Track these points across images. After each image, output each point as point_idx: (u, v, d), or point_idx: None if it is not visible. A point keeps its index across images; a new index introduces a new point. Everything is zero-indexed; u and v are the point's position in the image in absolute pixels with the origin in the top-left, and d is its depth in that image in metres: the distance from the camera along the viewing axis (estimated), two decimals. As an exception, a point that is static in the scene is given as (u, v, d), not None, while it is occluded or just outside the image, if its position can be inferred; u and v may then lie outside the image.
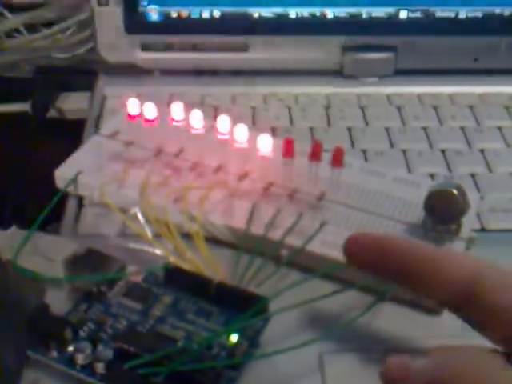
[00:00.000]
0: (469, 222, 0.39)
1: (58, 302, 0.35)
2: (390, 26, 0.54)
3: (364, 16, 0.53)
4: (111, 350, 0.32)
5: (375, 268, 0.33)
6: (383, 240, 0.33)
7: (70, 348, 0.32)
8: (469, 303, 0.30)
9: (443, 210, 0.37)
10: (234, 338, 0.33)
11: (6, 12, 0.61)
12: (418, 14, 0.54)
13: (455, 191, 0.37)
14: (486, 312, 0.29)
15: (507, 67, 0.55)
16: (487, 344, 0.29)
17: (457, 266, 0.30)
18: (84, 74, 0.56)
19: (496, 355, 0.28)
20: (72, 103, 0.55)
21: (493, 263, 0.30)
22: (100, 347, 0.32)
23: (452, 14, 0.54)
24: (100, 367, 0.32)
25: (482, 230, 0.42)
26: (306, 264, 0.38)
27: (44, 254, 0.37)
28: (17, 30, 0.61)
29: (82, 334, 0.33)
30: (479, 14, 0.54)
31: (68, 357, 0.32)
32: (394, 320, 0.36)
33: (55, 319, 0.33)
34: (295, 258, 0.38)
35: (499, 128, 0.50)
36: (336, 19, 0.53)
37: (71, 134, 0.49)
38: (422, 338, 0.35)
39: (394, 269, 0.32)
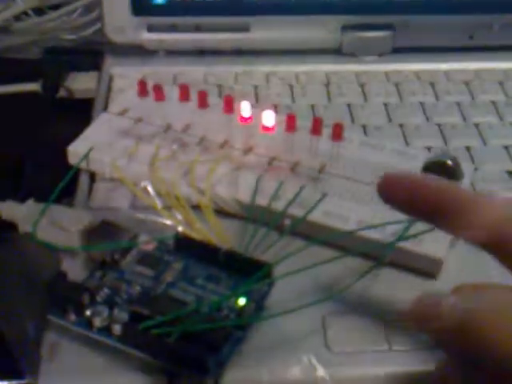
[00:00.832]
0: (463, 192, 0.41)
1: (74, 270, 0.37)
2: (388, 5, 0.56)
3: (362, -5, 0.55)
4: (126, 313, 0.34)
5: (408, 207, 0.33)
6: (416, 179, 0.33)
7: (88, 312, 0.34)
8: (500, 245, 0.30)
9: (438, 180, 0.39)
10: (241, 301, 0.35)
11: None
12: (414, -6, 0.55)
13: (449, 161, 0.39)
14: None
15: (501, 44, 0.57)
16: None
17: (487, 208, 0.30)
18: (91, 54, 0.58)
19: None
20: (80, 83, 0.56)
21: None
22: (116, 311, 0.34)
23: (448, -7, 0.55)
24: (116, 329, 0.33)
25: (476, 199, 0.44)
26: (307, 233, 0.40)
27: (60, 226, 0.38)
28: (25, 13, 0.63)
29: (98, 299, 0.35)
30: (474, -7, 0.55)
31: (86, 320, 0.34)
32: (393, 284, 0.38)
33: (73, 285, 0.35)
34: (297, 228, 0.39)
35: (493, 102, 0.52)
36: (335, -1, 0.55)
37: (80, 113, 0.51)
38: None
39: (426, 208, 0.32)
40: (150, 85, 0.45)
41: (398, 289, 0.38)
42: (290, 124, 0.43)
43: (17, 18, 0.62)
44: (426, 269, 0.38)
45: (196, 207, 0.40)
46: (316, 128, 0.42)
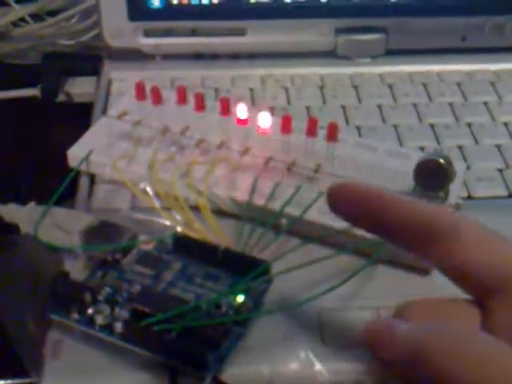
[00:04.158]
0: (456, 190, 0.42)
1: (75, 270, 0.37)
2: (381, 8, 0.56)
3: (356, -1, 0.56)
4: (127, 311, 0.35)
5: (353, 217, 0.33)
6: (364, 191, 0.33)
7: (90, 310, 0.35)
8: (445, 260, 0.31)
9: (431, 178, 0.40)
10: (240, 298, 0.35)
11: (12, 2, 0.63)
12: (407, -4, 0.56)
13: (442, 160, 0.39)
14: (459, 267, 0.30)
15: (493, 45, 0.58)
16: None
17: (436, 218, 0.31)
18: (90, 59, 0.58)
19: (470, 311, 0.30)
20: (79, 87, 0.57)
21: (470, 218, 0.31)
22: (117, 309, 0.35)
23: (440, -4, 0.56)
24: (118, 326, 0.34)
25: (469, 197, 0.45)
26: (303, 232, 0.40)
27: (61, 227, 0.39)
28: (22, 19, 0.63)
29: (99, 297, 0.35)
30: (466, -5, 0.56)
31: (88, 318, 0.35)
32: (388, 280, 0.39)
33: (75, 285, 0.36)
34: (294, 227, 0.40)
35: (485, 103, 0.53)
36: (329, 2, 0.56)
37: (80, 117, 0.51)
38: (414, 296, 0.37)
39: (369, 218, 0.32)
40: (147, 88, 0.45)
41: (392, 285, 0.39)
42: (286, 125, 0.43)
43: (15, 24, 0.63)
44: (420, 265, 0.39)
45: (194, 208, 0.41)
46: (311, 129, 0.43)
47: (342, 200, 0.33)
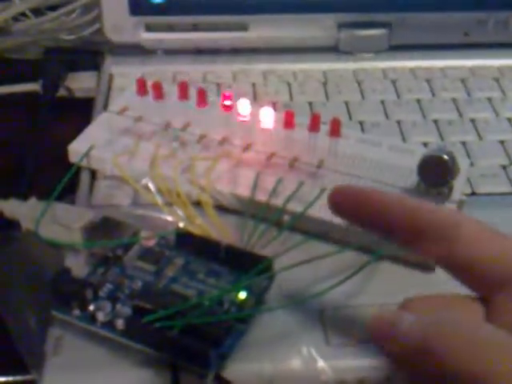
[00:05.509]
0: (460, 186, 0.41)
1: (77, 266, 0.37)
2: (384, 3, 0.56)
3: (359, -7, 0.55)
4: (129, 308, 0.35)
5: (355, 217, 0.34)
6: (365, 192, 0.33)
7: (91, 307, 0.35)
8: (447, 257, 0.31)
9: (435, 174, 0.40)
10: (242, 294, 0.35)
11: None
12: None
13: (445, 156, 0.39)
14: (462, 264, 0.31)
15: (496, 41, 0.57)
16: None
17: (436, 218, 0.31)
18: (91, 54, 0.58)
19: (474, 306, 0.30)
20: (80, 82, 0.56)
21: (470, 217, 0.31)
22: (118, 305, 0.35)
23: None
24: (119, 323, 0.34)
25: (473, 193, 0.45)
26: (306, 228, 0.40)
27: (62, 223, 0.39)
28: (23, 14, 0.63)
29: (101, 294, 0.35)
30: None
31: (89, 315, 0.35)
32: (391, 276, 0.39)
33: (76, 281, 0.36)
34: (296, 223, 0.40)
35: (489, 99, 0.53)
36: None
37: (81, 112, 0.51)
38: (418, 293, 0.37)
39: (371, 218, 0.33)
40: (149, 83, 0.45)
41: (396, 281, 0.38)
42: (289, 120, 0.43)
43: (15, 18, 0.63)
44: (424, 262, 0.39)
45: (196, 203, 0.40)
46: (314, 124, 0.43)
47: (344, 200, 0.33)
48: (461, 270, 0.31)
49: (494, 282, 0.30)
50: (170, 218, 0.39)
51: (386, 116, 0.51)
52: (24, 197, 0.42)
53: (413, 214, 0.31)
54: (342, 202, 0.33)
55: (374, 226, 0.33)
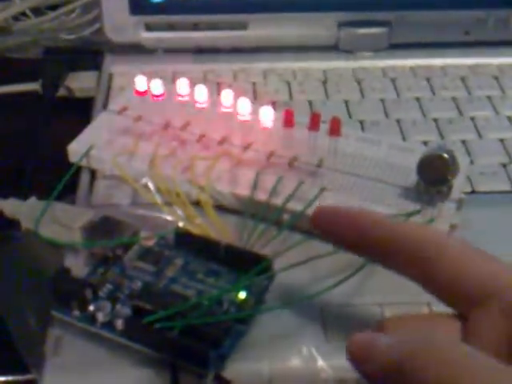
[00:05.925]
0: (460, 185, 0.41)
1: (76, 266, 0.37)
2: (384, 1, 0.56)
3: (358, -8, 0.55)
4: (129, 308, 0.34)
5: (338, 239, 0.34)
6: (345, 213, 0.33)
7: (91, 307, 0.35)
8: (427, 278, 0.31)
9: (434, 173, 0.40)
10: (242, 294, 0.35)
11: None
12: (410, -10, 0.56)
13: (445, 155, 0.39)
14: (442, 282, 0.30)
15: (496, 39, 0.57)
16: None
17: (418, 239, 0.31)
18: (90, 53, 0.58)
19: (451, 323, 0.30)
20: (80, 82, 0.56)
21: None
22: (118, 306, 0.35)
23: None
24: (119, 323, 0.34)
25: (473, 192, 0.45)
26: (306, 227, 0.40)
27: (62, 223, 0.39)
28: (23, 14, 0.63)
29: (101, 294, 0.35)
30: (469, -11, 0.56)
31: (89, 315, 0.35)
32: (391, 277, 0.38)
33: (76, 281, 0.36)
34: (296, 222, 0.40)
35: (489, 97, 0.53)
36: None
37: (80, 111, 0.51)
38: (415, 293, 0.37)
39: (353, 240, 0.33)
40: (149, 82, 0.45)
41: (395, 281, 0.38)
42: (288, 119, 0.43)
43: (16, 18, 0.63)
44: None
45: (196, 203, 0.40)
46: (314, 123, 0.43)
47: (326, 223, 0.33)
48: (444, 290, 0.31)
49: (472, 298, 0.30)
50: (169, 218, 0.39)
51: (386, 115, 0.51)
52: (24, 196, 0.42)
53: (395, 236, 0.31)
54: (324, 224, 0.33)
55: (356, 247, 0.33)
